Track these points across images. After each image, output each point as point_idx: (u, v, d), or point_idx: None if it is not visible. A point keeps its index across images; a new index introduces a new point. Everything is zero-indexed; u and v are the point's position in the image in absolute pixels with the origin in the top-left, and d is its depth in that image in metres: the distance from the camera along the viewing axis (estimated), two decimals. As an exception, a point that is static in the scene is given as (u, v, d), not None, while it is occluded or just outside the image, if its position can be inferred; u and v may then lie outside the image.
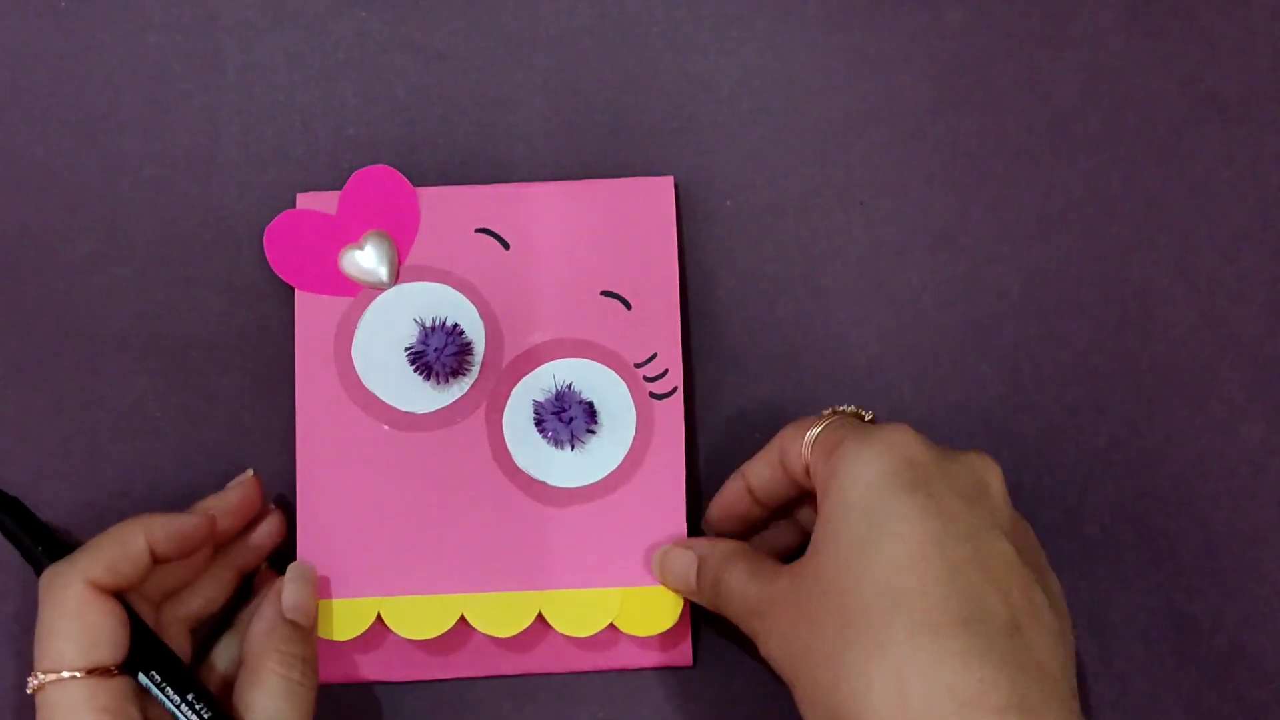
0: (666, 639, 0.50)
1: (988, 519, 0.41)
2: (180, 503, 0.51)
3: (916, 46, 0.53)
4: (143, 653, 0.44)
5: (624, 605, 0.49)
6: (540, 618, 0.49)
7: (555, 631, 0.49)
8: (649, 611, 0.49)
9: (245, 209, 0.52)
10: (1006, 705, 0.36)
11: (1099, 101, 0.52)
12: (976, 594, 0.38)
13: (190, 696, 0.44)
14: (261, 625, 0.46)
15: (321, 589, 0.49)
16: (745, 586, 0.44)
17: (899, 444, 0.41)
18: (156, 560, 0.45)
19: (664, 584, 0.49)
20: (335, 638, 0.49)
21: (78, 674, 0.42)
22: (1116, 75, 0.52)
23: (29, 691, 0.42)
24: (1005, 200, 0.52)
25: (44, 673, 0.42)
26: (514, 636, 0.49)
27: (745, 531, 0.49)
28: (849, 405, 0.47)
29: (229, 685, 0.47)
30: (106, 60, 0.53)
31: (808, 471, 0.45)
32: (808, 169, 0.52)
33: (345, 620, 0.49)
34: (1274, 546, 0.51)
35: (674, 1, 0.53)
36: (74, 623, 0.42)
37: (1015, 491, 0.50)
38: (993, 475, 0.43)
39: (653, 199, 0.51)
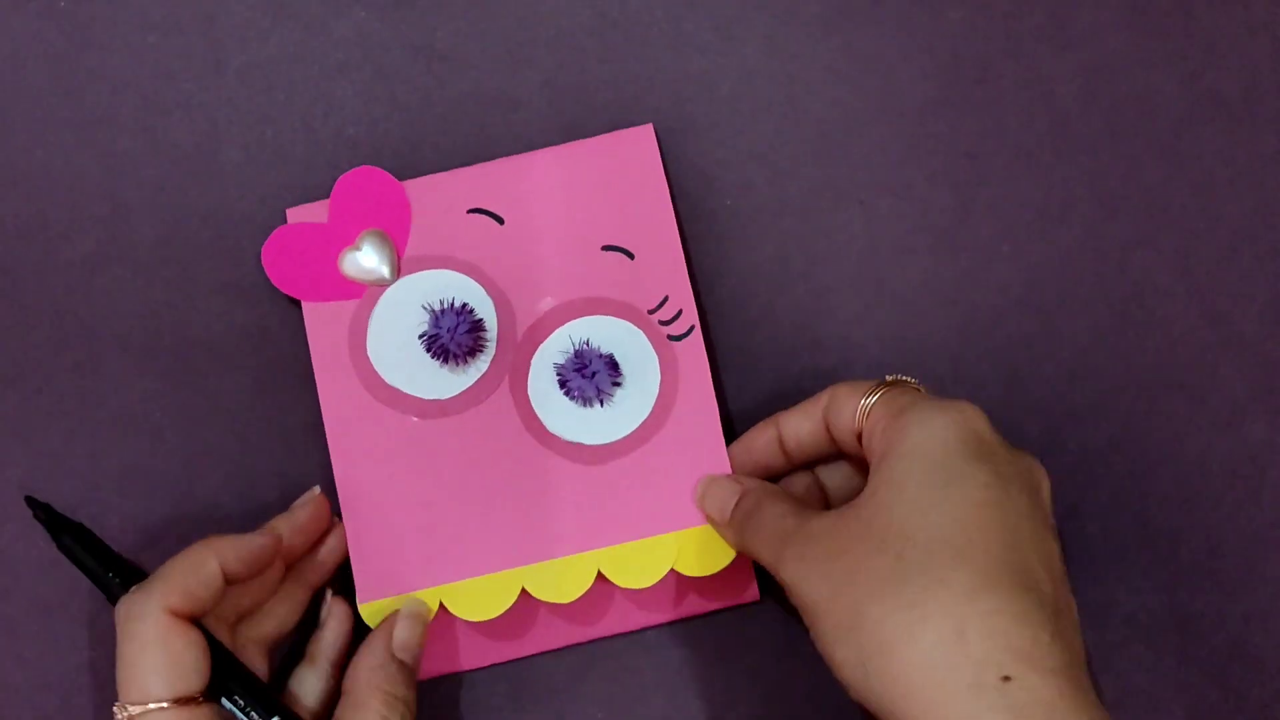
0: (730, 578, 0.50)
1: (1040, 513, 0.42)
2: (183, 503, 0.51)
3: (916, 46, 0.53)
4: (224, 676, 0.44)
5: (681, 548, 0.48)
6: (601, 576, 0.48)
7: (619, 592, 0.49)
8: (707, 550, 0.48)
9: (245, 209, 0.52)
10: (1056, 668, 0.37)
11: (1099, 100, 0.52)
12: (1030, 568, 0.39)
13: None
14: (370, 661, 0.46)
15: (379, 588, 0.49)
16: (783, 517, 0.44)
17: (972, 416, 0.42)
18: (228, 582, 0.45)
19: (701, 507, 0.48)
20: None
21: (164, 705, 0.42)
22: (1117, 74, 0.52)
23: None
24: (1005, 199, 0.52)
25: (132, 705, 0.42)
26: (578, 601, 0.48)
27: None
28: (904, 376, 0.46)
29: (315, 718, 0.47)
30: (106, 60, 0.53)
31: (858, 436, 0.45)
32: (808, 168, 0.52)
33: None
34: (1275, 545, 0.51)
35: (674, 1, 0.53)
36: (158, 654, 0.42)
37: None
38: (1043, 479, 0.43)
39: (635, 148, 0.51)
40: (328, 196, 0.51)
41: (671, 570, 0.48)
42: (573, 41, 0.53)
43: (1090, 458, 0.51)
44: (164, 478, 0.51)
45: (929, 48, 0.53)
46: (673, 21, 0.53)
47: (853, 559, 0.40)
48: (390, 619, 0.48)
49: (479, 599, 0.48)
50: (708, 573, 0.48)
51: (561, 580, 0.48)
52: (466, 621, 0.49)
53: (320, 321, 0.50)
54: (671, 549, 0.48)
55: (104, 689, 0.50)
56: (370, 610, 0.48)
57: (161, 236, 0.52)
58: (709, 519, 0.48)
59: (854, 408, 0.45)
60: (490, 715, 0.51)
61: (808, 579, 0.41)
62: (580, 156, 0.51)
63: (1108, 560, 0.51)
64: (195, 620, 0.44)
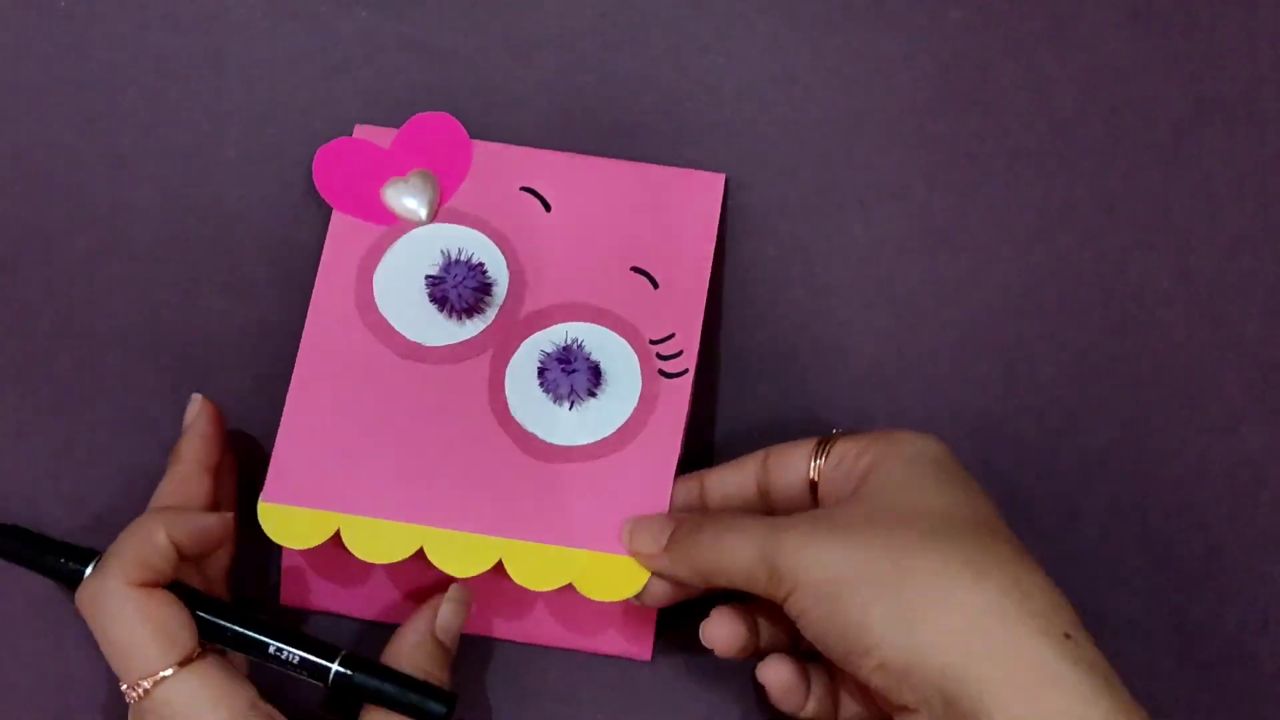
0: (629, 628, 0.50)
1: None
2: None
3: (916, 46, 0.52)
4: (212, 618, 0.45)
5: (588, 568, 0.47)
6: (500, 567, 0.47)
7: (515, 593, 0.48)
8: (612, 579, 0.47)
9: (246, 209, 0.52)
10: (1095, 651, 0.38)
11: (1100, 102, 0.52)
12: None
13: (273, 649, 0.45)
14: (412, 639, 0.47)
15: (286, 494, 0.48)
16: (759, 516, 0.44)
17: (943, 443, 0.44)
18: (180, 557, 0.45)
19: (630, 547, 0.47)
20: (290, 545, 0.47)
21: (170, 671, 0.43)
22: (1117, 76, 0.52)
23: (133, 699, 0.43)
24: (1005, 200, 0.52)
25: (142, 680, 0.43)
26: (473, 584, 0.48)
27: None
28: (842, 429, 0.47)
29: None
30: (107, 60, 0.53)
31: (812, 484, 0.45)
32: (808, 169, 0.52)
33: (304, 529, 0.47)
34: (1274, 549, 0.51)
35: (675, 1, 0.53)
36: (145, 627, 0.43)
37: (1015, 492, 0.51)
38: None
39: (701, 191, 0.51)
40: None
41: (571, 588, 0.47)
42: (574, 41, 0.53)
43: (1089, 460, 0.51)
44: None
45: (929, 48, 0.52)
46: (673, 21, 0.53)
47: (884, 526, 0.40)
48: (434, 601, 0.48)
49: (377, 541, 0.47)
50: (605, 599, 0.47)
51: (461, 554, 0.47)
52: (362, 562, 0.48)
53: (343, 234, 0.51)
54: (578, 565, 0.47)
55: (104, 688, 0.50)
56: (267, 511, 0.47)
57: (162, 236, 0.52)
58: (637, 555, 0.47)
59: (805, 459, 0.45)
60: (489, 714, 0.51)
61: (825, 551, 0.40)
62: (646, 179, 0.51)
63: (1106, 563, 0.51)
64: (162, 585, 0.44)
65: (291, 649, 0.45)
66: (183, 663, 0.43)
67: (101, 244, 0.52)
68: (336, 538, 0.47)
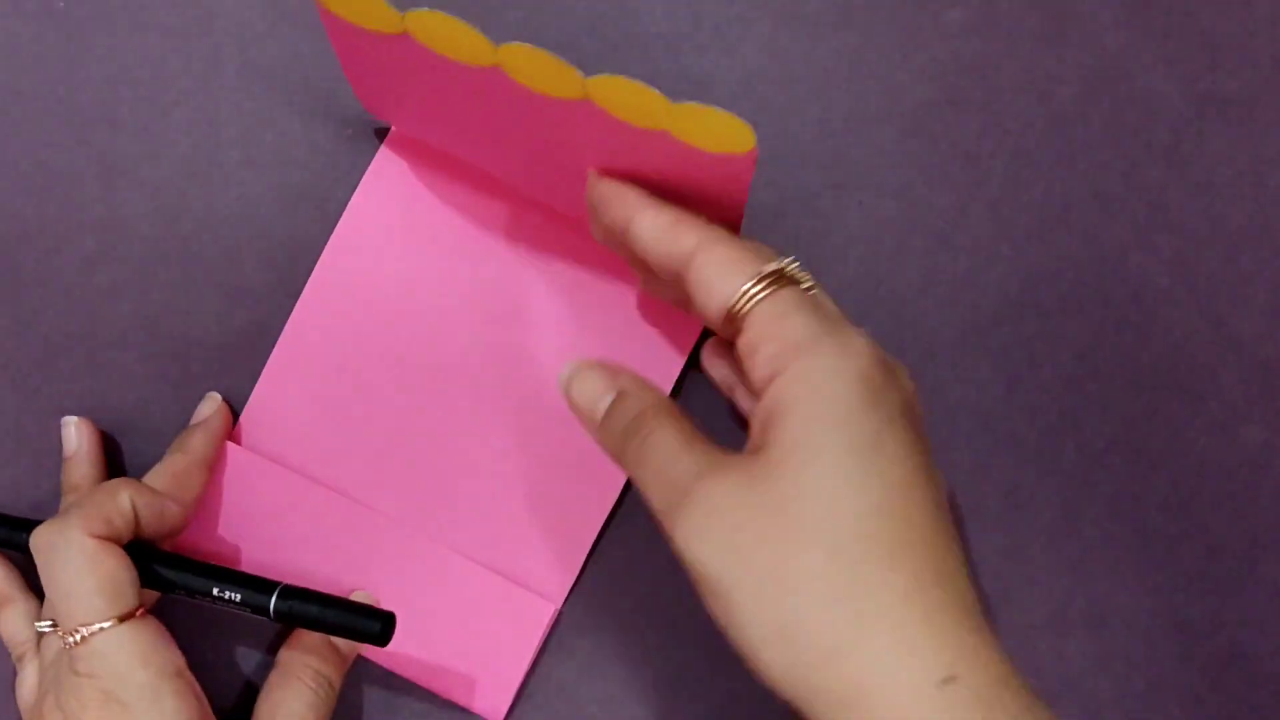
0: (489, 688, 0.50)
1: (926, 456, 0.39)
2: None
3: (916, 46, 0.52)
4: (159, 570, 0.46)
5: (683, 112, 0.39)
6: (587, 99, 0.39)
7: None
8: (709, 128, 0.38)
9: (244, 210, 0.52)
10: (990, 663, 0.36)
11: (1099, 101, 0.52)
12: (947, 554, 0.38)
13: (215, 591, 0.46)
14: (309, 639, 0.48)
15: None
16: (676, 456, 0.39)
17: (864, 358, 0.39)
18: (137, 529, 0.46)
19: (568, 397, 0.42)
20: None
21: (109, 623, 0.43)
22: (1117, 75, 0.52)
23: (67, 645, 0.43)
24: (1005, 200, 0.52)
25: (81, 627, 0.43)
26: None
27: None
28: (788, 260, 0.41)
29: None
30: (106, 60, 0.53)
31: (730, 319, 0.40)
32: (808, 169, 0.52)
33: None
34: (1274, 548, 0.51)
35: (674, 1, 0.53)
36: (91, 577, 0.43)
37: (1015, 491, 0.51)
38: (914, 389, 0.41)
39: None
40: (326, 199, 0.51)
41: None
42: (572, 41, 0.53)
43: (1088, 460, 0.51)
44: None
45: (929, 48, 0.52)
46: (672, 21, 0.53)
47: (775, 548, 0.37)
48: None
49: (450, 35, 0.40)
50: (708, 147, 0.39)
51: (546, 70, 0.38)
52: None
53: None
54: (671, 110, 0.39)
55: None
56: None
57: (160, 237, 0.52)
58: (574, 407, 0.42)
59: (732, 287, 0.40)
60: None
61: (714, 556, 0.37)
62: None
63: (1106, 562, 0.51)
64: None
65: (232, 587, 0.46)
66: (122, 618, 0.43)
67: (100, 245, 0.52)
68: None
